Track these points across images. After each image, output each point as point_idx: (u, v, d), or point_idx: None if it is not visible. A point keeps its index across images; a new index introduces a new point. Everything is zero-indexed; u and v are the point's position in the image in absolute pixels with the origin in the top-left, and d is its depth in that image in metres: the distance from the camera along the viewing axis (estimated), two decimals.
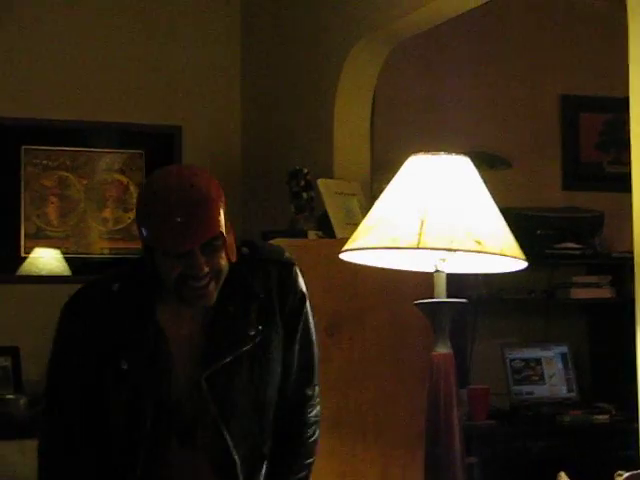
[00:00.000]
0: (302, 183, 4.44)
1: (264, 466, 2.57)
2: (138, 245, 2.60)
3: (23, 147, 5.23)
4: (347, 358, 4.13)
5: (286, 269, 2.59)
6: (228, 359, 2.49)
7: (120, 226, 5.38)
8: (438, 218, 2.55)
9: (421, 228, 2.53)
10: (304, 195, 4.43)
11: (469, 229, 2.54)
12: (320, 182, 4.45)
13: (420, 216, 2.56)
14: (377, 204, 2.69)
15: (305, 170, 4.46)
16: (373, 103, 4.85)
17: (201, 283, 2.40)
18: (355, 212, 4.42)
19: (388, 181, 2.75)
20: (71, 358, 2.52)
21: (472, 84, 5.59)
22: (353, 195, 4.52)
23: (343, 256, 2.71)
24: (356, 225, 4.12)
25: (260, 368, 2.53)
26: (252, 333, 2.51)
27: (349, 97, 4.78)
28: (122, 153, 5.43)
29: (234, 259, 2.46)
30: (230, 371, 2.50)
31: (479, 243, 2.52)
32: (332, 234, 4.34)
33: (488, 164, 5.01)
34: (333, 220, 4.37)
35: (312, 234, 4.33)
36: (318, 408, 2.70)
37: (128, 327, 2.49)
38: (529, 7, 5.70)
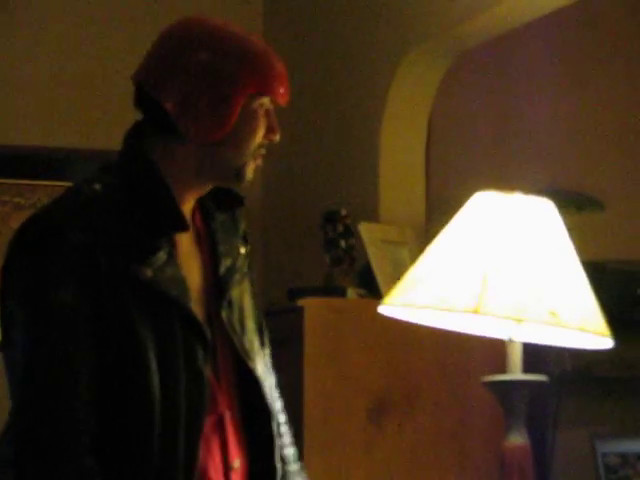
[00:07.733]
0: (340, 228, 4.28)
1: None
2: None
3: None
4: (394, 448, 3.99)
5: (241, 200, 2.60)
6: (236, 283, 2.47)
7: None
8: (505, 277, 2.53)
9: (483, 288, 2.51)
10: (342, 243, 4.26)
11: (543, 295, 2.52)
12: (362, 227, 4.29)
13: (482, 272, 2.54)
14: (430, 250, 2.68)
15: (344, 212, 4.27)
16: (429, 129, 4.57)
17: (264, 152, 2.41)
18: (405, 265, 4.03)
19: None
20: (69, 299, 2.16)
21: (553, 107, 5.20)
22: (403, 243, 4.39)
23: (383, 310, 2.69)
24: None
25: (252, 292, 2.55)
26: (243, 251, 2.52)
27: (399, 122, 4.50)
28: None
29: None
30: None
31: (554, 315, 2.49)
32: (377, 292, 4.09)
33: (574, 206, 4.75)
34: (378, 275, 4.21)
35: (352, 292, 4.18)
36: None
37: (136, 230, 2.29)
38: (632, 11, 5.17)
